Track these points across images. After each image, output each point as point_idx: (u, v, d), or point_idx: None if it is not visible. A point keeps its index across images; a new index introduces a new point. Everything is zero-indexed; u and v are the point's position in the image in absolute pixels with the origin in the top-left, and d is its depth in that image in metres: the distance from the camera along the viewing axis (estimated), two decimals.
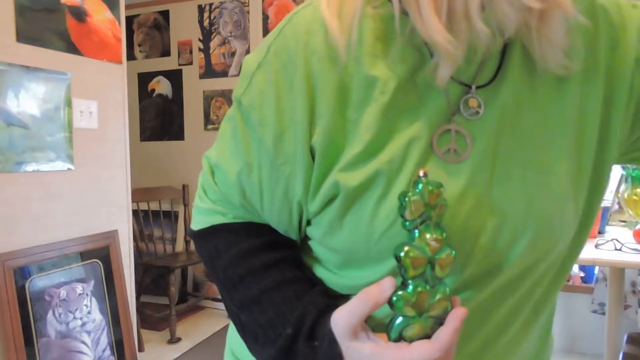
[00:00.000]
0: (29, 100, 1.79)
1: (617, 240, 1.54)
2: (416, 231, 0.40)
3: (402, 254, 0.40)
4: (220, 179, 0.52)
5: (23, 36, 1.76)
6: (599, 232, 1.73)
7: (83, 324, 1.94)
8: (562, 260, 0.51)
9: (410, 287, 0.40)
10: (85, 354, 1.93)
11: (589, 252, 1.48)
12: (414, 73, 0.45)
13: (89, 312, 1.97)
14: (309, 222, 0.51)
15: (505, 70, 0.46)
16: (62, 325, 1.86)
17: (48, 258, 1.85)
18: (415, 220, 0.40)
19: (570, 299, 2.61)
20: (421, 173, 0.40)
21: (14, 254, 1.73)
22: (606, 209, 1.77)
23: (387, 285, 0.40)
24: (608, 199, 1.98)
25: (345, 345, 0.42)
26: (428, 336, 0.40)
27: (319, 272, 0.52)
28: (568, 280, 2.64)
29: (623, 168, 1.86)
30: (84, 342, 1.93)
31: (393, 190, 0.43)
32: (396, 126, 0.44)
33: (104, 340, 2.02)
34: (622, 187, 1.86)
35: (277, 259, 0.51)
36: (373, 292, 0.40)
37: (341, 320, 0.42)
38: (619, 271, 1.92)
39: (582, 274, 2.64)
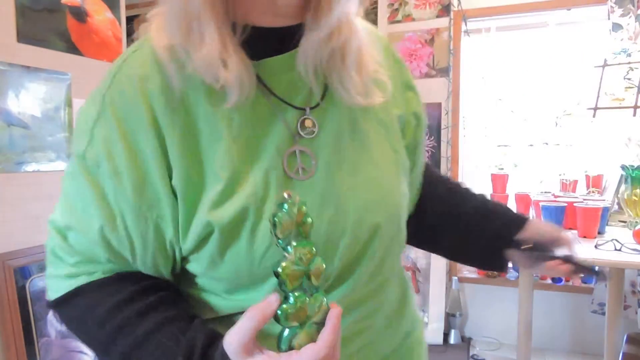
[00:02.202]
0: (30, 100, 1.79)
1: (616, 240, 1.54)
2: (289, 247, 0.44)
3: (280, 270, 0.43)
4: (77, 241, 0.50)
5: (23, 36, 1.76)
6: (599, 233, 1.73)
7: None
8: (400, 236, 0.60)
9: (291, 299, 0.43)
10: (85, 353, 1.93)
11: (588, 252, 1.48)
12: (252, 105, 0.49)
13: None
14: (186, 259, 0.52)
15: (331, 91, 0.53)
16: (62, 325, 1.86)
17: None
18: (287, 238, 0.44)
19: (570, 299, 2.61)
20: (285, 195, 0.44)
21: (14, 253, 1.73)
22: (606, 209, 1.76)
23: (273, 299, 0.43)
24: (608, 199, 1.98)
25: None
26: (315, 341, 0.43)
27: (208, 298, 0.54)
28: (567, 281, 2.64)
29: (623, 168, 1.86)
30: None
31: (263, 217, 0.48)
32: (249, 158, 0.48)
33: None
34: (622, 187, 1.86)
35: (154, 303, 0.50)
36: (260, 306, 0.43)
37: (233, 339, 0.43)
38: (618, 271, 1.92)
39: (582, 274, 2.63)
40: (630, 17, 2.30)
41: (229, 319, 0.53)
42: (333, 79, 0.53)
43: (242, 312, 0.49)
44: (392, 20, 2.83)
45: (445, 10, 2.74)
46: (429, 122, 2.82)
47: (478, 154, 2.89)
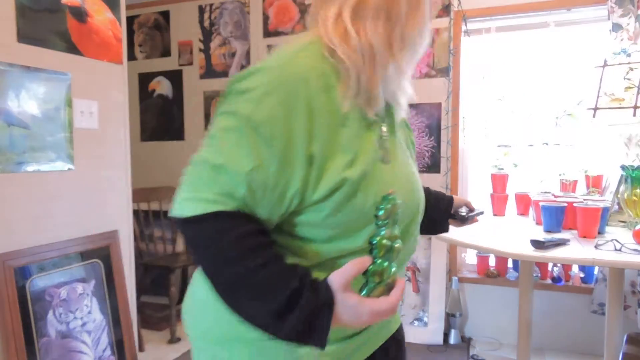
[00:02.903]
0: (30, 100, 1.79)
1: (616, 240, 1.54)
2: (383, 228, 0.67)
3: (375, 241, 0.67)
4: (226, 177, 0.65)
5: (24, 36, 1.76)
6: (599, 233, 1.72)
7: (83, 324, 1.94)
8: None
9: (378, 262, 0.66)
10: (85, 353, 1.93)
11: (588, 252, 1.48)
12: (359, 113, 0.72)
13: (89, 312, 1.97)
14: (302, 212, 0.70)
15: (389, 110, 0.80)
16: (62, 325, 1.86)
17: (48, 258, 1.85)
18: (385, 221, 0.67)
19: (570, 299, 2.61)
20: (390, 191, 0.68)
21: (14, 253, 1.74)
22: (606, 210, 1.76)
23: (367, 259, 0.66)
24: (608, 199, 1.98)
25: (339, 295, 0.64)
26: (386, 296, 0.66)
27: (310, 245, 0.72)
28: (568, 281, 2.64)
29: (623, 168, 1.86)
30: (84, 342, 1.93)
31: (375, 178, 0.71)
32: (364, 145, 0.72)
33: (104, 340, 2.02)
34: (622, 187, 1.86)
35: (272, 241, 0.70)
36: (358, 262, 0.64)
37: (337, 278, 0.64)
38: (618, 271, 1.92)
39: (581, 275, 2.64)
40: (630, 17, 2.30)
41: (324, 264, 0.72)
42: (393, 99, 0.79)
43: (338, 257, 0.72)
44: None
45: (445, 10, 2.74)
46: (429, 122, 2.82)
47: (478, 154, 2.89)
